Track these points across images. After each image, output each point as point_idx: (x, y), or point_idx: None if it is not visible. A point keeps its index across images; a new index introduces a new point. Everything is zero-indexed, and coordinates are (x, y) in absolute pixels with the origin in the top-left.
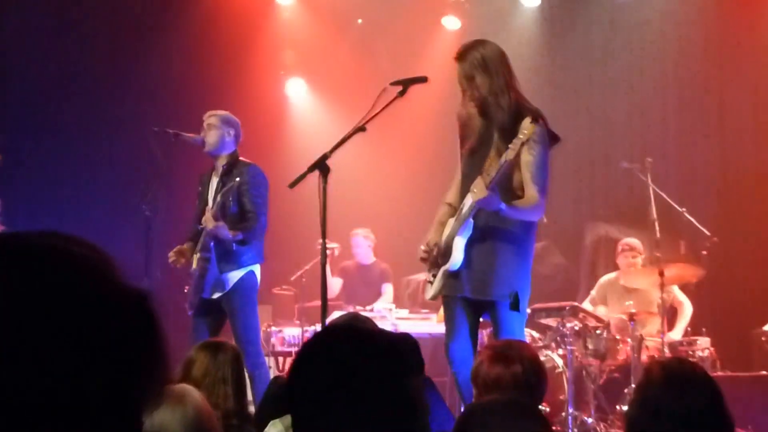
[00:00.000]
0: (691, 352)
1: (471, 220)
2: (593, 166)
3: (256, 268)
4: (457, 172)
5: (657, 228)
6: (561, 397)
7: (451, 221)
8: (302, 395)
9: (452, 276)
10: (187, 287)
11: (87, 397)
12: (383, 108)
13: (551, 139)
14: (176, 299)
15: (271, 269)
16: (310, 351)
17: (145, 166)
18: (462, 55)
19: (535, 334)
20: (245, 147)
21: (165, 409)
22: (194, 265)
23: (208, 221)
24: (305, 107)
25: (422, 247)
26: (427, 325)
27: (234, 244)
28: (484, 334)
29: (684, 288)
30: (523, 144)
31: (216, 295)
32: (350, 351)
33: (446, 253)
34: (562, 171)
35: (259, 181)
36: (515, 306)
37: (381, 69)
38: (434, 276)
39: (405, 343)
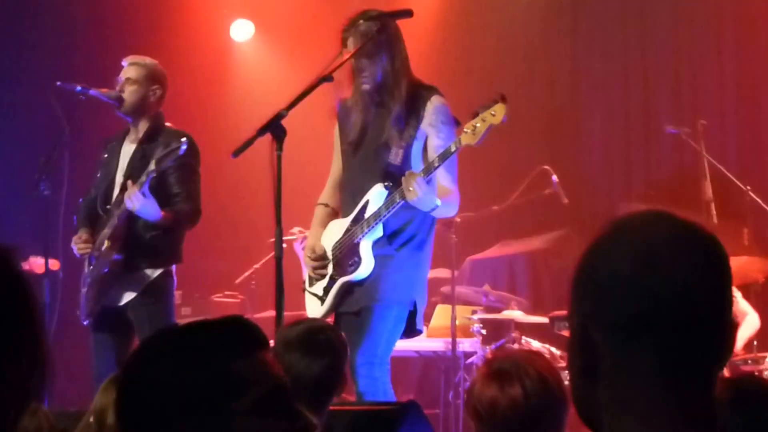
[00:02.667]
0: (757, 373)
1: (381, 223)
2: (628, 132)
3: (172, 270)
4: (333, 170)
5: (713, 211)
6: None
7: (335, 224)
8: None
9: (351, 287)
10: (85, 289)
11: None
12: (355, 52)
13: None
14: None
15: (209, 271)
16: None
17: (44, 133)
18: (357, 29)
19: (556, 351)
20: (173, 103)
21: None
22: (96, 258)
23: (133, 196)
24: (255, 59)
25: (309, 254)
26: (413, 340)
27: (152, 234)
28: (488, 351)
29: (749, 289)
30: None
31: (124, 301)
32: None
33: (342, 262)
34: (587, 139)
35: (190, 155)
36: (412, 319)
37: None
38: (326, 289)
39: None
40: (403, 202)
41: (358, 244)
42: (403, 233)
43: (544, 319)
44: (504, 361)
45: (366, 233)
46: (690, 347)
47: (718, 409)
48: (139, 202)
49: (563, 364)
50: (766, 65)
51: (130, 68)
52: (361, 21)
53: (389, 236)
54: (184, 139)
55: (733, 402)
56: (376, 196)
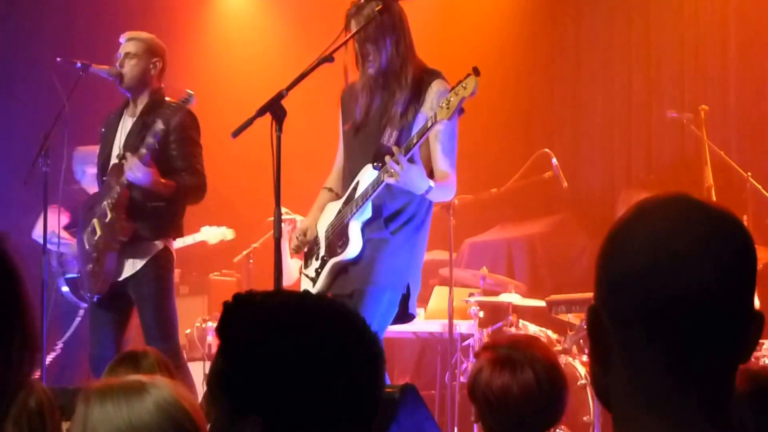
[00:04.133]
0: (754, 360)
1: (370, 202)
2: (630, 116)
3: (173, 245)
4: (338, 155)
5: (713, 197)
6: (585, 418)
7: (332, 206)
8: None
9: (344, 269)
10: (90, 266)
11: None
12: (357, 32)
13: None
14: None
15: (207, 249)
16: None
17: (44, 108)
18: (361, 11)
19: (553, 335)
20: (172, 79)
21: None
22: (98, 232)
23: (134, 166)
24: (255, 33)
25: (298, 236)
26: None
27: (154, 203)
28: (485, 334)
29: None
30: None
31: (125, 274)
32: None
33: (333, 243)
34: (589, 122)
35: (191, 128)
36: (405, 303)
37: None
38: (317, 271)
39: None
40: (386, 182)
41: (347, 224)
42: (400, 216)
43: (542, 303)
44: (509, 347)
45: (354, 213)
46: (703, 343)
47: (737, 402)
48: (140, 171)
49: (560, 347)
50: None
51: (128, 43)
52: (365, 2)
53: (386, 219)
54: (191, 92)
55: (753, 395)
56: (366, 176)
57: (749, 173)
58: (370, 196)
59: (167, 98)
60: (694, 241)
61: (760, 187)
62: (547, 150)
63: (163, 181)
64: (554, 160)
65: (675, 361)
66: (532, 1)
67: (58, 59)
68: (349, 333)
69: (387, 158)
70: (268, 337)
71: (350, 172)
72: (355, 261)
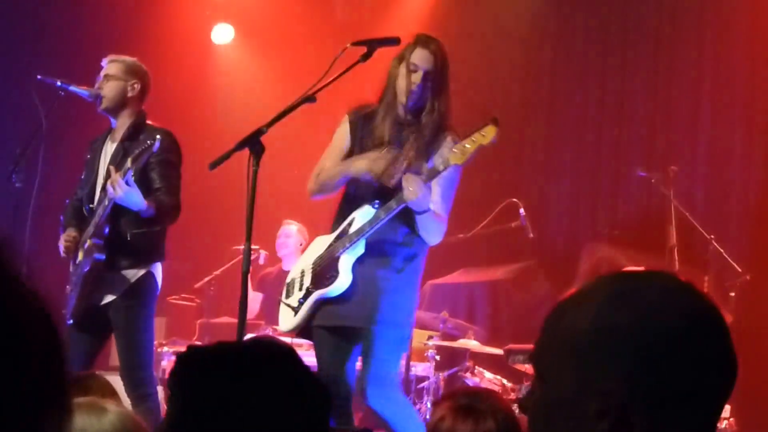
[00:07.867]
0: None
1: (363, 240)
2: (599, 172)
3: (158, 269)
4: (326, 159)
5: (676, 257)
6: None
7: (320, 240)
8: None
9: (331, 301)
10: (69, 288)
11: None
12: (340, 75)
13: None
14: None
15: (169, 272)
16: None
17: (22, 125)
18: (430, 49)
19: (507, 383)
20: (153, 110)
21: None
22: (80, 257)
23: (116, 184)
24: (237, 65)
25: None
26: None
27: (133, 232)
28: (440, 378)
29: None
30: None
31: (106, 300)
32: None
33: (320, 275)
34: (558, 175)
35: (172, 152)
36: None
37: (336, 21)
38: (300, 301)
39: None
40: (391, 214)
41: (338, 258)
42: (403, 253)
43: (500, 351)
44: (471, 397)
45: (347, 248)
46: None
47: None
48: (122, 189)
49: (513, 396)
50: (741, 118)
51: (109, 65)
52: (426, 39)
53: (391, 256)
54: (158, 137)
55: None
56: (362, 214)
57: (712, 236)
58: (366, 232)
59: (149, 122)
60: (675, 321)
61: (722, 250)
62: (515, 200)
63: (146, 202)
64: (521, 210)
65: None
66: (509, 51)
67: (39, 77)
68: (295, 375)
69: (408, 181)
70: (218, 382)
71: (353, 199)
72: (348, 296)
